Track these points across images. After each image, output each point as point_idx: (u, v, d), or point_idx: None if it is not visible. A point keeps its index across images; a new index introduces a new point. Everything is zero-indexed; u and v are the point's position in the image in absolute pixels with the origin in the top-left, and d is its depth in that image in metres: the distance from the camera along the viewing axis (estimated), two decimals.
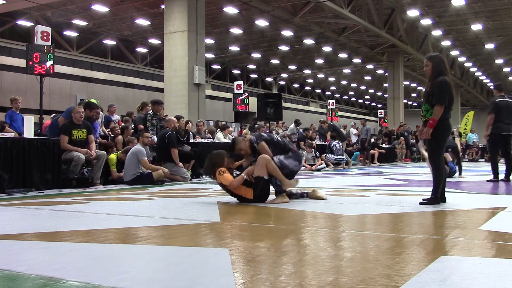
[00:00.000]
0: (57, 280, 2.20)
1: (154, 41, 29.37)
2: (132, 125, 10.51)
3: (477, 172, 12.07)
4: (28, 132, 7.08)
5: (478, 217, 4.44)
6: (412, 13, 23.69)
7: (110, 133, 9.75)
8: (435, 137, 4.90)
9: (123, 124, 10.59)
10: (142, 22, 25.13)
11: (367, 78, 44.77)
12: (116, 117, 11.43)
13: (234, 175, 5.35)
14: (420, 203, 4.94)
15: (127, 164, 8.03)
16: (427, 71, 5.05)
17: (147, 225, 3.86)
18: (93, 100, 10.41)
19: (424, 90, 5.32)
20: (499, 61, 35.09)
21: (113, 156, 8.32)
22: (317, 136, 16.36)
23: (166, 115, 10.62)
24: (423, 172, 11.67)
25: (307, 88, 50.47)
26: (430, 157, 5.16)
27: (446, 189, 5.26)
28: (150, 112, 10.06)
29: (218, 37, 28.82)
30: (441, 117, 4.83)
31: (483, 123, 8.72)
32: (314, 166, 13.08)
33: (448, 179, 5.23)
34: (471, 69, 39.35)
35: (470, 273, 2.37)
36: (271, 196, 5.37)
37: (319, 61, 36.29)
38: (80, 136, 7.61)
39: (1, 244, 3.08)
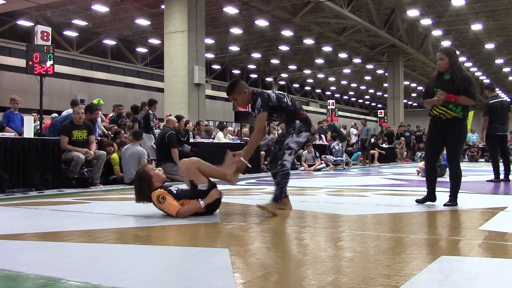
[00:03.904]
0: (57, 280, 2.20)
1: (154, 41, 29.36)
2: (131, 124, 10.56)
3: (477, 172, 12.07)
4: (28, 132, 7.08)
5: (478, 217, 4.43)
6: (412, 13, 23.69)
7: (109, 133, 9.76)
8: (463, 138, 4.84)
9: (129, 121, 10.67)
10: (142, 22, 25.14)
11: (367, 78, 44.77)
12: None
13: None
14: (445, 205, 4.85)
15: (126, 165, 7.99)
16: (442, 64, 4.76)
17: (147, 225, 3.85)
18: (96, 101, 10.43)
19: (439, 83, 4.79)
20: (499, 61, 35.10)
21: (115, 156, 8.31)
22: (318, 136, 16.36)
23: (170, 115, 10.65)
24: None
25: (307, 88, 50.46)
26: (456, 159, 4.94)
27: (446, 189, 5.21)
28: (150, 111, 10.08)
29: (218, 37, 28.82)
30: (463, 116, 4.74)
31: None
32: (313, 167, 13.08)
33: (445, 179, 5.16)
34: (471, 69, 39.34)
35: (470, 273, 2.37)
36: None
37: (319, 61, 36.28)
38: (81, 136, 7.60)
39: (1, 244, 3.07)
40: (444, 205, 4.85)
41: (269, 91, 4.54)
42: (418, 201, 5.04)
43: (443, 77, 4.82)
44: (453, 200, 4.88)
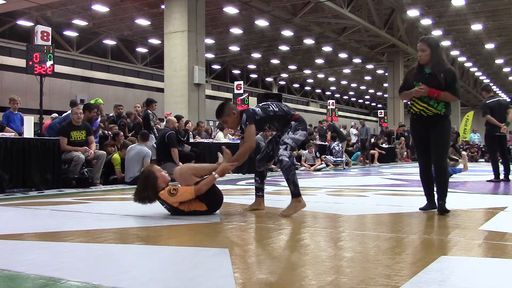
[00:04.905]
0: (57, 280, 2.20)
1: (154, 41, 29.37)
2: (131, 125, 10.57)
3: (477, 172, 12.07)
4: (28, 132, 7.08)
5: (478, 217, 4.44)
6: (412, 13, 23.71)
7: (109, 133, 9.76)
8: (446, 136, 4.46)
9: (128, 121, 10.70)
10: (142, 22, 25.14)
11: (367, 78, 44.77)
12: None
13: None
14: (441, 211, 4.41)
15: (130, 164, 7.97)
16: (423, 56, 4.34)
17: (147, 225, 3.86)
18: (93, 101, 10.43)
19: (419, 77, 4.40)
20: (499, 61, 35.09)
21: (116, 156, 8.29)
22: (317, 136, 16.37)
23: (170, 113, 10.66)
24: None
25: (307, 88, 50.45)
26: (440, 159, 4.50)
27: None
28: (148, 111, 10.08)
29: (218, 37, 28.82)
30: (445, 113, 4.40)
31: (483, 123, 8.70)
32: (313, 167, 13.08)
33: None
34: (471, 69, 39.37)
35: (470, 273, 2.37)
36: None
37: (319, 61, 36.29)
38: (79, 137, 7.59)
39: (1, 244, 3.07)
40: (439, 213, 4.37)
41: (253, 106, 4.60)
42: (421, 208, 4.69)
43: (424, 70, 4.41)
44: (443, 200, 4.40)
